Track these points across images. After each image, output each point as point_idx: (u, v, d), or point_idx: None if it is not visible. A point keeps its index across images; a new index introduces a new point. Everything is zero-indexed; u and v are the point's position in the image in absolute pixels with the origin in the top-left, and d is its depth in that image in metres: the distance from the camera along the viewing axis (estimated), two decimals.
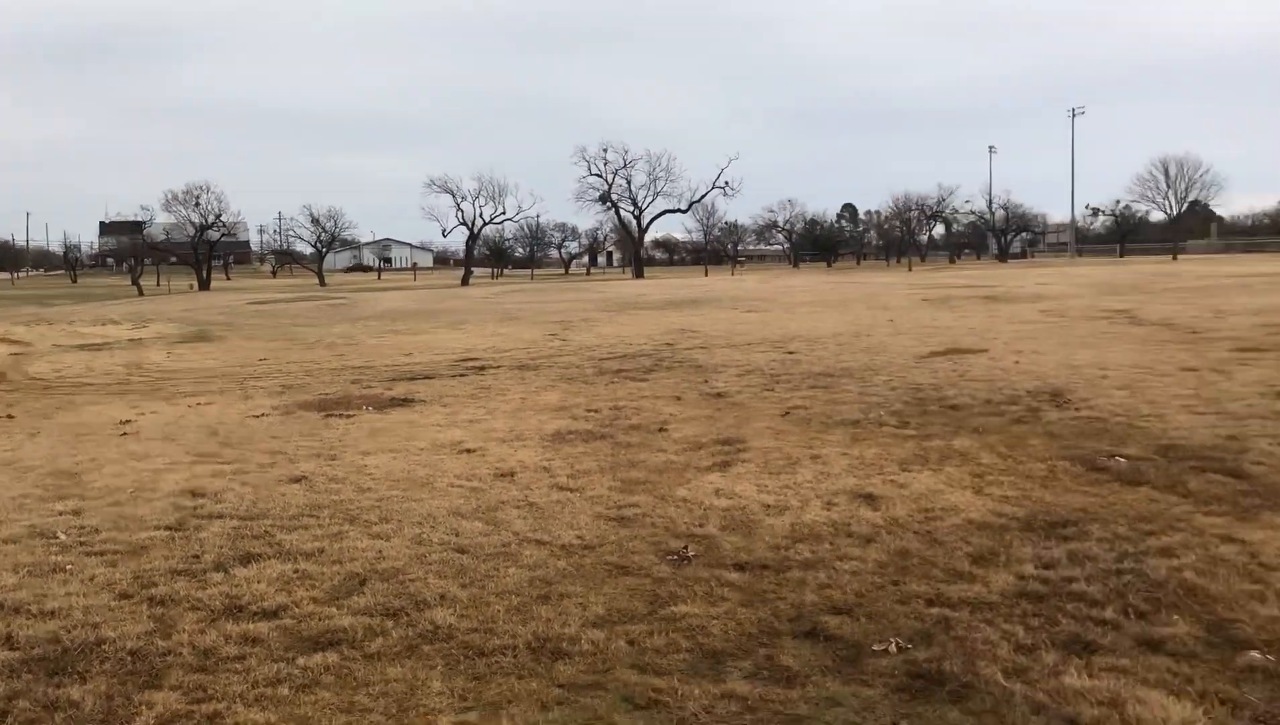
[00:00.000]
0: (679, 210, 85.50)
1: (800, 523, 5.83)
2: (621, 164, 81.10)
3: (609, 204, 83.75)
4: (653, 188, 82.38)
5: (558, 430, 9.18)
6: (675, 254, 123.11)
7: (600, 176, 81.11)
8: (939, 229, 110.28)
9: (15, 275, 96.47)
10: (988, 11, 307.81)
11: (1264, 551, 5.02)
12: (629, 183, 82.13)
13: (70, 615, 4.64)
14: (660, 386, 12.02)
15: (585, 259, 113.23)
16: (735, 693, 3.66)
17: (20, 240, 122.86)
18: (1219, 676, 3.68)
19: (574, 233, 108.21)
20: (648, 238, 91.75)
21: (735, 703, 3.59)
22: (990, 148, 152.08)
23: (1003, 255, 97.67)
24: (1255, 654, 3.84)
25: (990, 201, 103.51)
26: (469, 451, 8.30)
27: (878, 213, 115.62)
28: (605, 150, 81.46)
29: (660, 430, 9.00)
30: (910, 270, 70.58)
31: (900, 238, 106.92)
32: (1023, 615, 4.33)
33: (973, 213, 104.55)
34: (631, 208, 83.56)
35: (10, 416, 11.17)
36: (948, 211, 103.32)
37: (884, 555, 5.20)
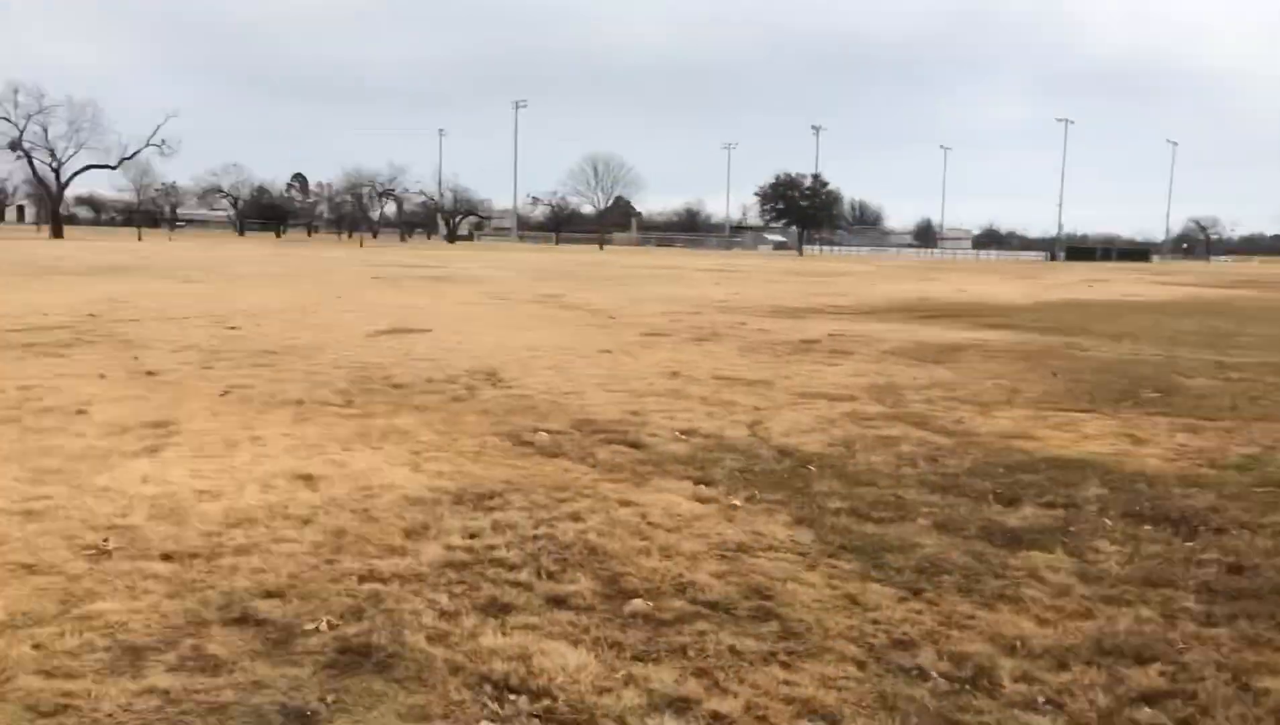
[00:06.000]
0: (107, 166, 77.64)
1: (235, 507, 5.71)
2: (36, 109, 71.83)
3: (20, 152, 73.76)
4: (75, 139, 74.02)
5: None
6: (103, 213, 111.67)
7: (9, 120, 71.15)
8: (390, 207, 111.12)
9: None
10: None
11: (651, 512, 5.85)
12: (45, 131, 72.97)
13: None
14: (81, 363, 10.95)
15: None
16: (156, 687, 3.55)
17: None
18: (609, 624, 4.26)
19: None
20: (70, 194, 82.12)
21: (156, 697, 3.48)
22: (440, 131, 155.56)
23: (451, 237, 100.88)
24: (639, 601, 4.50)
25: (440, 183, 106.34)
26: None
27: (329, 185, 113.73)
28: (16, 91, 71.51)
29: (79, 412, 8.24)
30: (361, 246, 70.53)
31: (352, 212, 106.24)
32: (448, 583, 4.65)
33: (423, 193, 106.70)
34: (49, 159, 74.35)
35: None
36: (399, 190, 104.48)
37: (320, 535, 5.28)
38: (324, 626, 4.09)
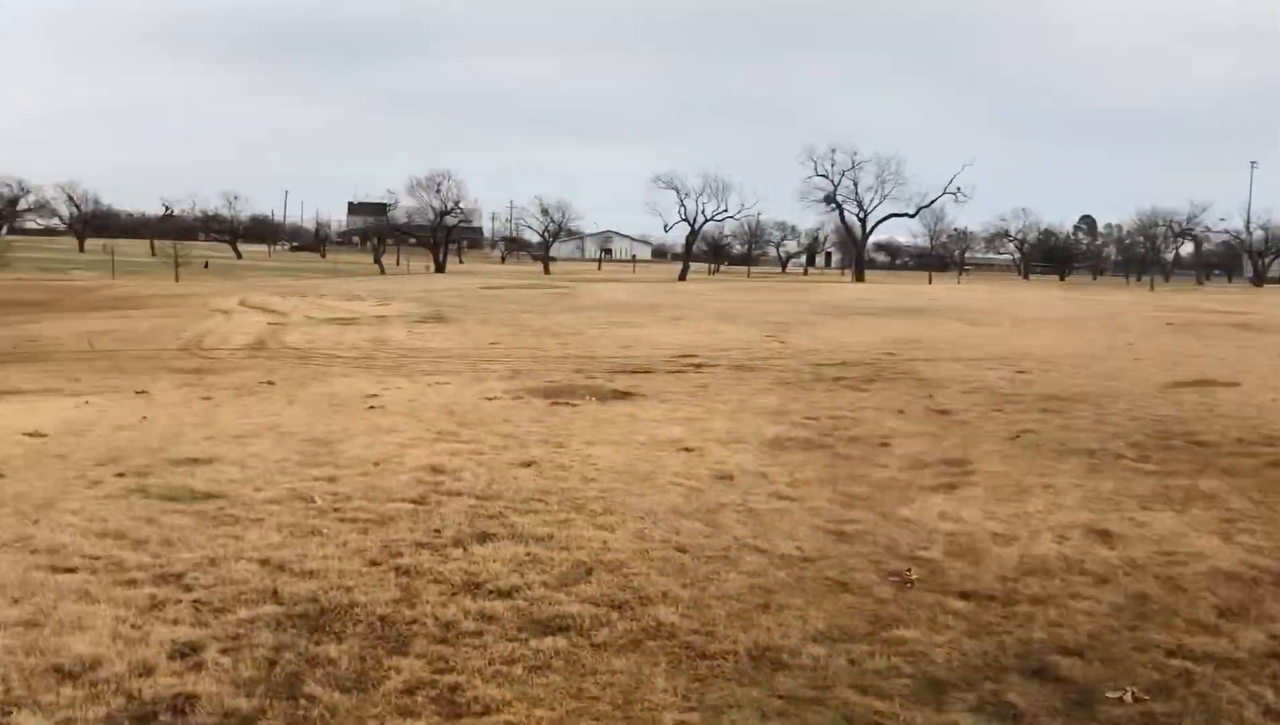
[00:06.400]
0: (906, 214, 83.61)
1: (1030, 555, 5.66)
2: (849, 165, 79.91)
3: (833, 205, 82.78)
4: (880, 191, 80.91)
5: (776, 436, 9.21)
6: (897, 258, 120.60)
7: (826, 177, 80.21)
8: (1187, 247, 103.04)
9: (271, 249, 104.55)
10: (1249, 19, 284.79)
11: None
12: (855, 185, 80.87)
13: (326, 577, 5.06)
14: (881, 398, 11.85)
15: (803, 258, 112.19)
16: (959, 724, 3.63)
17: (279, 216, 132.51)
18: None
19: (793, 232, 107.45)
20: (870, 240, 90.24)
21: None
22: (1252, 163, 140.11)
23: (1259, 279, 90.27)
24: None
25: (1248, 221, 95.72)
26: (688, 450, 8.45)
27: (1119, 226, 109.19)
28: (834, 151, 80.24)
29: (882, 444, 8.89)
30: (1152, 290, 66.48)
31: (1143, 255, 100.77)
32: (1273, 677, 4.07)
33: (1227, 232, 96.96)
34: (856, 210, 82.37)
35: (271, 383, 12.17)
36: (1199, 229, 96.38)
37: (1120, 598, 4.99)
38: (1129, 697, 3.83)
